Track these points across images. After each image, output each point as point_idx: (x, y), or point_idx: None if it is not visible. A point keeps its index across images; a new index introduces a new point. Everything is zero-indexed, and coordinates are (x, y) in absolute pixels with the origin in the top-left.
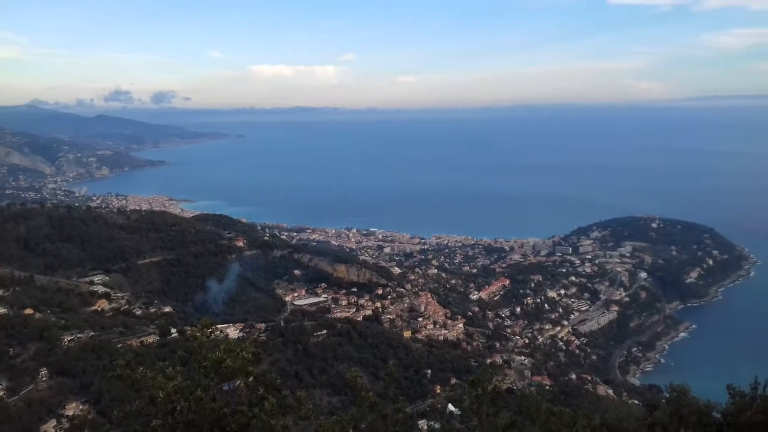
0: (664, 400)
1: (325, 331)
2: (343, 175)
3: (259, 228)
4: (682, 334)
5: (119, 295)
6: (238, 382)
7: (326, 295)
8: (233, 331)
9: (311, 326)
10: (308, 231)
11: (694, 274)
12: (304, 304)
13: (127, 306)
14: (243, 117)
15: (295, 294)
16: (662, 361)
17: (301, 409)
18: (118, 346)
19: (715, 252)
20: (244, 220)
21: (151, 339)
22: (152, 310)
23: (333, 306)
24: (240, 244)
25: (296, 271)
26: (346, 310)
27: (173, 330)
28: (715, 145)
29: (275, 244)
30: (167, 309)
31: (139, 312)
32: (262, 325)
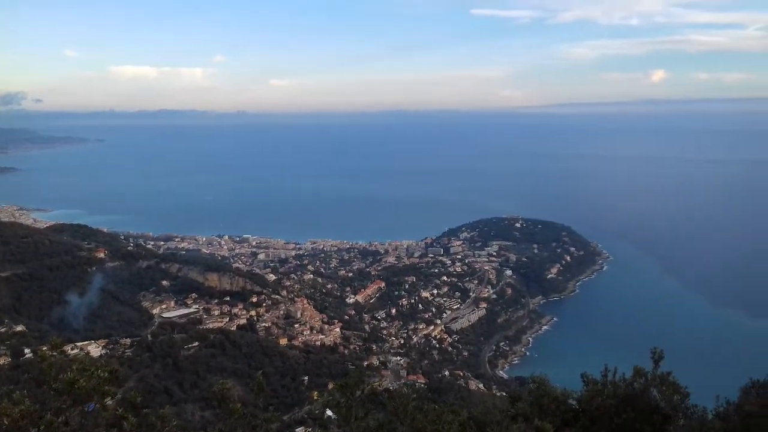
0: (526, 392)
1: (196, 343)
2: (213, 181)
3: (123, 238)
4: (545, 327)
5: None
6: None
7: (197, 306)
8: (95, 349)
9: (181, 339)
10: (177, 239)
11: (554, 270)
12: (174, 316)
13: None
14: (103, 120)
15: (164, 306)
16: (527, 353)
17: (164, 427)
18: None
19: (573, 249)
20: (105, 230)
21: (1, 361)
22: (2, 330)
23: (205, 316)
24: (101, 255)
25: (164, 282)
26: (219, 320)
27: (27, 350)
28: (568, 149)
29: (140, 254)
30: (20, 328)
31: None
32: (128, 341)
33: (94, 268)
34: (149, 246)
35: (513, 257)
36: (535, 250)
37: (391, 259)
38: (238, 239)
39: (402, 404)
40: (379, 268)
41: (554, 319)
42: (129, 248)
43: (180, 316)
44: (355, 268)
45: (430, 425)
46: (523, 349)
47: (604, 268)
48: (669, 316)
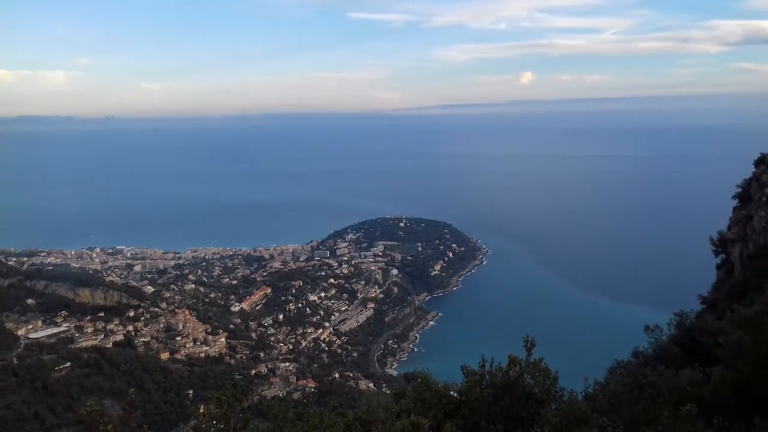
0: (410, 387)
1: (68, 364)
2: (81, 191)
3: None
4: (431, 323)
5: None
6: None
7: (68, 324)
8: None
9: (51, 360)
10: (42, 254)
11: (437, 267)
12: (42, 337)
13: None
14: None
15: (30, 326)
16: (415, 349)
17: None
18: None
19: (454, 245)
20: None
21: None
22: None
23: (77, 335)
24: None
25: (30, 301)
26: (93, 337)
27: None
28: (446, 149)
29: (1, 272)
30: None
31: None
32: None
33: None
34: (11, 263)
35: (398, 256)
36: (420, 249)
37: (277, 264)
38: (110, 251)
39: (282, 411)
40: (265, 273)
41: (439, 314)
42: None
43: (49, 336)
44: (239, 275)
45: (312, 430)
46: (410, 346)
47: (484, 263)
48: (543, 304)
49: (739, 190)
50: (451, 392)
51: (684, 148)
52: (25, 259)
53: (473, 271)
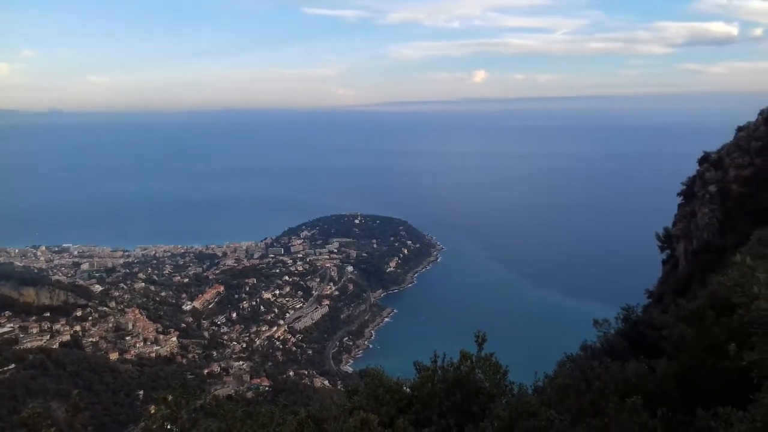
0: (362, 384)
1: (12, 366)
2: (25, 187)
3: None
4: (386, 319)
5: None
6: None
7: (12, 325)
8: None
9: None
10: None
11: (393, 264)
12: None
13: None
14: None
15: None
16: (370, 346)
17: None
18: None
19: (409, 242)
20: None
21: None
22: None
23: (22, 335)
24: None
25: None
26: (39, 338)
27: None
28: (400, 146)
29: None
30: None
31: None
32: None
33: None
34: None
35: (354, 253)
36: (375, 245)
37: (230, 262)
38: (56, 249)
39: (231, 410)
40: (218, 271)
41: (394, 310)
42: None
43: None
44: (191, 273)
45: (262, 429)
46: (366, 343)
47: (439, 259)
48: (496, 300)
49: (684, 187)
50: (404, 388)
51: (632, 146)
52: None
53: (428, 267)
